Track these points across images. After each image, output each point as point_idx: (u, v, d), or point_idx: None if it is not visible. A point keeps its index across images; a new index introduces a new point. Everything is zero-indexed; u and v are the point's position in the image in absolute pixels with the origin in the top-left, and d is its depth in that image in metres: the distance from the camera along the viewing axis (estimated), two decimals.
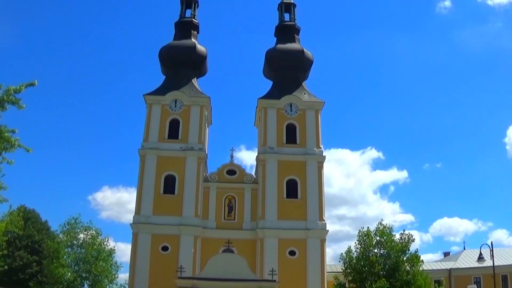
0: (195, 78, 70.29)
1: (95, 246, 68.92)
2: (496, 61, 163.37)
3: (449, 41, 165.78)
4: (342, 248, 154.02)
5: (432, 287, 57.42)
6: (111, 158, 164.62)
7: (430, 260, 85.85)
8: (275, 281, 50.89)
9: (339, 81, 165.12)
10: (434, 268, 76.05)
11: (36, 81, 24.78)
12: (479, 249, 49.05)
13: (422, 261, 57.54)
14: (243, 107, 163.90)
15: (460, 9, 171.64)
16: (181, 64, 69.08)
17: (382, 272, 54.08)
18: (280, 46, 71.84)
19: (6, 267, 49.80)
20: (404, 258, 55.28)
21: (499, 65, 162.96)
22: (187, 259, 57.76)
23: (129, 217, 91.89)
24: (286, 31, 73.30)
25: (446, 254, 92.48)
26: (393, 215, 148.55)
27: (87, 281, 68.40)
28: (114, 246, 73.15)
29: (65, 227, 69.70)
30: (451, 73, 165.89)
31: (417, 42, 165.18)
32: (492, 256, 46.19)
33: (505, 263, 70.91)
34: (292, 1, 75.01)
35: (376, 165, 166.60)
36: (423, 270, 56.82)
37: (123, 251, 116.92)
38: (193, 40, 71.65)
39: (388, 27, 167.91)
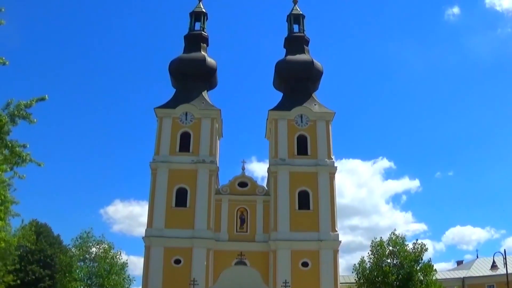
0: (206, 91, 70.39)
1: (107, 260, 68.91)
2: (506, 67, 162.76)
3: (458, 47, 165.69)
4: (355, 259, 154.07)
5: None
6: (123, 172, 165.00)
7: (443, 269, 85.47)
8: None
9: (349, 91, 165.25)
10: (448, 277, 75.70)
11: (46, 95, 24.81)
12: (492, 257, 48.69)
13: (436, 270, 57.20)
14: (254, 119, 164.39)
15: (469, 16, 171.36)
16: (191, 77, 69.23)
17: (395, 282, 53.77)
18: (289, 57, 71.95)
19: (18, 281, 49.60)
20: (418, 268, 54.94)
21: (509, 70, 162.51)
22: (200, 272, 57.68)
23: (141, 231, 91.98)
24: (295, 43, 73.41)
25: (459, 262, 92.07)
26: (405, 225, 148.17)
27: None
28: (127, 260, 73.13)
29: (78, 241, 69.78)
30: (461, 80, 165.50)
31: (426, 50, 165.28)
32: (505, 263, 45.89)
33: None
34: (301, 13, 75.17)
35: (388, 174, 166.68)
36: (436, 279, 56.49)
37: (135, 264, 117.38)
38: (202, 53, 71.86)
39: (397, 36, 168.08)
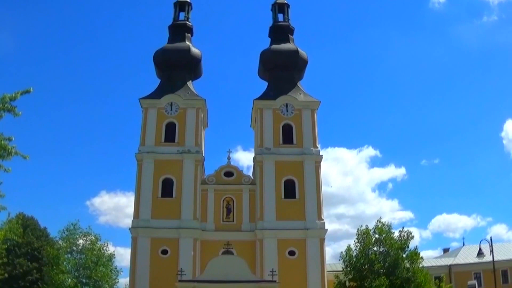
0: (190, 81, 70.20)
1: (94, 252, 69.10)
2: (492, 56, 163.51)
3: (444, 37, 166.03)
4: (341, 247, 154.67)
5: (432, 283, 57.40)
6: (108, 163, 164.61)
7: (430, 257, 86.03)
8: (275, 281, 50.93)
9: (334, 80, 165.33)
10: (434, 264, 76.29)
11: (31, 88, 24.77)
12: (479, 245, 49.06)
13: (422, 258, 57.66)
14: (239, 108, 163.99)
15: (454, 4, 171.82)
16: (176, 67, 69.01)
17: (382, 270, 54.17)
18: (274, 46, 71.82)
19: (6, 275, 49.70)
20: (404, 255, 55.41)
21: (495, 60, 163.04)
22: (187, 262, 57.66)
23: (127, 222, 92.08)
24: (280, 32, 73.23)
25: (446, 250, 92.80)
26: (392, 213, 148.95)
27: (88, 287, 68.56)
28: (114, 251, 73.27)
29: (64, 233, 69.95)
30: (446, 69, 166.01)
31: (411, 39, 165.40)
32: (491, 251, 46.27)
33: (505, 258, 70.95)
34: (286, 2, 74.93)
35: (374, 162, 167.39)
36: (423, 267, 56.94)
37: (122, 255, 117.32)
38: (187, 42, 71.55)
39: (381, 25, 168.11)
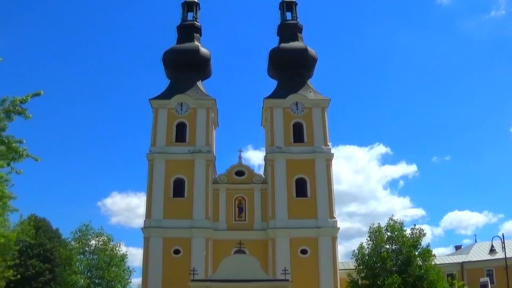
0: (200, 81, 70.31)
1: (107, 252, 69.31)
2: (501, 51, 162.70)
3: (452, 32, 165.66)
4: (353, 245, 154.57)
5: (444, 281, 57.19)
6: (119, 164, 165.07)
7: (442, 254, 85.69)
8: (288, 280, 50.77)
9: (344, 77, 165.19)
10: (446, 262, 75.94)
11: (41, 91, 24.83)
12: (491, 241, 48.90)
13: (434, 255, 57.48)
14: (249, 107, 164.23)
15: None
16: (185, 67, 69.10)
17: (394, 268, 53.99)
18: (283, 45, 71.81)
19: (18, 276, 49.81)
20: (416, 253, 55.14)
21: (504, 55, 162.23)
22: (199, 262, 57.73)
23: (139, 222, 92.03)
24: (288, 30, 73.23)
25: (458, 247, 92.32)
26: (403, 210, 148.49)
27: (100, 287, 68.67)
28: (126, 251, 73.42)
29: (77, 234, 70.18)
30: (455, 64, 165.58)
31: (419, 35, 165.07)
32: (503, 247, 46.17)
33: None
34: (294, 0, 74.88)
35: (385, 160, 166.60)
36: (435, 264, 56.74)
37: (135, 255, 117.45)
38: (196, 43, 71.66)
39: (390, 21, 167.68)
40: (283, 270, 51.46)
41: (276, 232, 60.80)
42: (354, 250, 57.39)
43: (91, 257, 69.67)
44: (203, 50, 71.20)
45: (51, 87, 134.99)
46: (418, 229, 56.84)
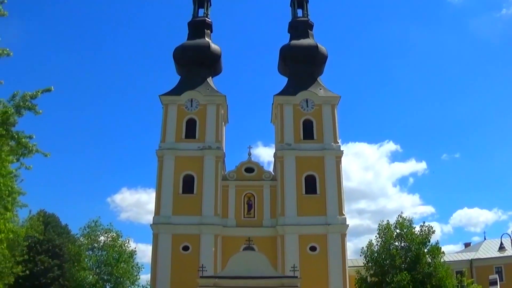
0: (210, 77, 70.30)
1: (116, 248, 69.42)
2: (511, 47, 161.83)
3: (462, 30, 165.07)
4: (363, 242, 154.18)
5: (453, 278, 56.94)
6: (129, 160, 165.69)
7: (451, 252, 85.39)
8: (297, 277, 50.79)
9: (354, 74, 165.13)
10: (455, 259, 75.70)
11: (52, 87, 24.82)
12: (500, 239, 48.59)
13: (443, 252, 57.12)
14: (259, 104, 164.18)
15: None
16: (196, 64, 69.11)
17: (403, 265, 53.75)
18: (294, 42, 71.75)
19: (27, 272, 49.90)
20: (425, 250, 54.86)
21: None
22: (208, 258, 57.81)
23: (148, 218, 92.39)
24: (299, 27, 73.14)
25: (467, 244, 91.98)
26: (413, 207, 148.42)
27: (109, 284, 68.96)
28: (135, 248, 73.61)
29: (86, 230, 70.32)
30: (466, 62, 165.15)
31: (430, 33, 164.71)
32: None
33: None
34: None
35: (394, 157, 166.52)
36: (444, 261, 56.40)
37: (143, 252, 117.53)
38: (206, 39, 71.63)
39: (401, 19, 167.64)
40: (292, 267, 51.51)
41: (285, 229, 60.75)
42: (363, 247, 57.29)
43: (100, 253, 69.81)
44: (214, 46, 71.19)
45: (61, 83, 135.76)
46: (427, 226, 56.54)
